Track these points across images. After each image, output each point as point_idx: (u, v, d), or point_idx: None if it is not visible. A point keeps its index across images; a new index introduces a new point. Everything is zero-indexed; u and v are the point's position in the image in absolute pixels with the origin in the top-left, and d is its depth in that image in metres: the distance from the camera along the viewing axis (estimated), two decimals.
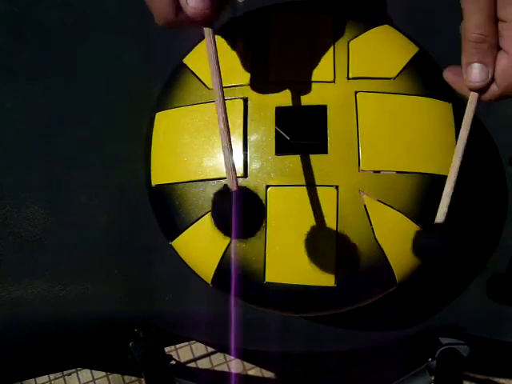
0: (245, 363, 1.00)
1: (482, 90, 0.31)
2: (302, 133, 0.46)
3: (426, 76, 0.41)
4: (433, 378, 0.48)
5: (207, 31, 0.30)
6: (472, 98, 0.32)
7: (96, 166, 0.51)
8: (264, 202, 0.38)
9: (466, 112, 0.32)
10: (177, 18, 0.30)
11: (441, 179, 0.39)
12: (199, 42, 0.44)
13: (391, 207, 0.38)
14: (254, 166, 0.38)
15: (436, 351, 0.48)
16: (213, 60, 0.31)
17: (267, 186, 0.38)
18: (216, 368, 1.00)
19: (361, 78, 0.40)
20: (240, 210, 0.29)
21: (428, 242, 0.32)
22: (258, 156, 0.38)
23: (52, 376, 0.99)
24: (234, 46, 0.41)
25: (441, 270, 0.48)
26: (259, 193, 0.38)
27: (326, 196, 0.37)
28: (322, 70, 0.40)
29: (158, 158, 0.42)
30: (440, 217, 0.32)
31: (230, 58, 0.41)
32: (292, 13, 0.42)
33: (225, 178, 0.39)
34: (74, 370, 0.98)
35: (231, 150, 0.31)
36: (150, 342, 0.51)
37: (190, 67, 0.43)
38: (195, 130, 0.40)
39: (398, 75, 0.40)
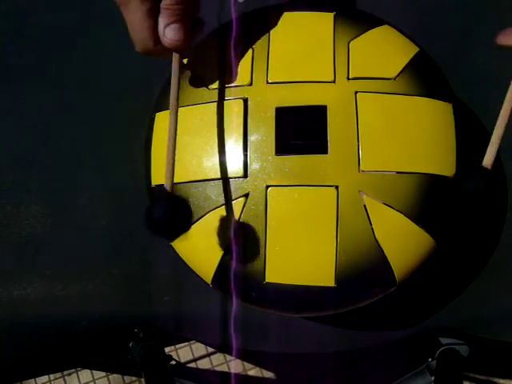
0: (245, 363, 1.00)
1: None
2: (301, 133, 0.46)
3: (426, 76, 0.41)
4: (433, 378, 0.48)
5: (176, 56, 0.36)
6: None
7: (96, 167, 0.51)
8: (264, 202, 0.38)
9: None
10: (155, 48, 0.34)
11: (441, 179, 0.39)
12: (199, 42, 0.44)
13: (391, 207, 0.38)
14: (254, 166, 0.38)
15: (436, 351, 0.48)
16: (174, 79, 0.36)
17: (267, 186, 0.38)
18: (216, 368, 1.00)
19: (361, 78, 0.40)
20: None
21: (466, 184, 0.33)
22: (258, 156, 0.38)
23: (52, 376, 0.99)
24: (233, 46, 0.41)
25: (441, 271, 0.48)
26: (260, 193, 0.38)
27: (325, 196, 0.37)
28: (322, 70, 0.40)
29: (158, 158, 0.42)
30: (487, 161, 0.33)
31: (230, 58, 0.41)
32: (292, 12, 0.42)
33: (226, 178, 0.39)
34: (73, 370, 0.98)
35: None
36: (149, 342, 0.51)
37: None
38: (195, 131, 0.40)
39: (398, 75, 0.40)
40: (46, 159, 0.52)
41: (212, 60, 0.42)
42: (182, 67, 0.38)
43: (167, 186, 0.36)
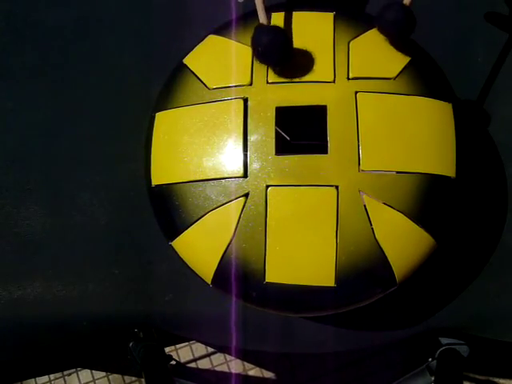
0: (245, 363, 1.00)
1: None
2: (301, 133, 0.46)
3: (426, 76, 0.41)
4: (433, 378, 0.48)
5: None
6: None
7: (96, 166, 0.51)
8: (264, 202, 0.38)
9: None
10: None
11: (441, 179, 0.39)
12: (199, 42, 0.44)
13: (391, 207, 0.38)
14: (254, 166, 0.38)
15: (436, 351, 0.48)
16: None
17: (267, 186, 0.38)
18: (216, 368, 1.00)
19: (361, 78, 0.40)
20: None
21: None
22: (258, 156, 0.38)
23: (52, 376, 0.99)
24: (234, 46, 0.41)
25: (441, 272, 0.48)
26: (260, 193, 0.38)
27: (325, 196, 0.37)
28: (322, 70, 0.40)
29: (157, 158, 0.42)
30: None
31: (230, 58, 0.41)
32: (292, 13, 0.42)
33: (225, 179, 0.39)
34: (73, 370, 0.98)
35: None
36: (149, 342, 0.51)
37: (190, 67, 0.43)
38: (195, 131, 0.40)
39: (397, 75, 0.40)
40: (46, 159, 0.52)
41: (212, 59, 0.42)
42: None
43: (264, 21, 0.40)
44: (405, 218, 0.38)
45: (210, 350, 1.01)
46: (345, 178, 0.38)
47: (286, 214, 0.38)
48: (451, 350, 0.48)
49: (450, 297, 0.48)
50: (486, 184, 0.49)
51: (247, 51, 0.41)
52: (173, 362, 0.54)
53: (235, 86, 0.40)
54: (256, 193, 0.38)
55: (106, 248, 0.50)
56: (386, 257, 0.38)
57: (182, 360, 1.00)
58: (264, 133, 0.39)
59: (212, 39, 0.44)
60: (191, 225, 0.40)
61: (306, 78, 0.40)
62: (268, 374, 1.01)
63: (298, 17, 0.42)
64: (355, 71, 0.40)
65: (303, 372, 0.99)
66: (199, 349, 1.01)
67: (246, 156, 0.39)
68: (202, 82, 0.41)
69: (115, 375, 1.00)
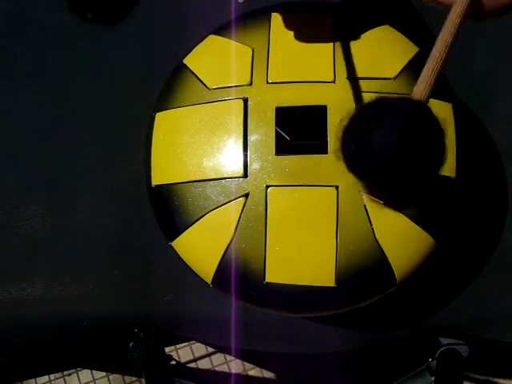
0: (245, 363, 1.00)
1: None
2: (301, 133, 0.46)
3: None
4: (433, 378, 0.48)
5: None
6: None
7: (96, 166, 0.51)
8: (264, 202, 0.38)
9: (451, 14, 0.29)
10: None
11: (441, 179, 0.39)
12: (199, 42, 0.44)
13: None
14: (254, 166, 0.38)
15: (436, 351, 0.48)
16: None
17: (267, 186, 0.38)
18: (216, 368, 1.00)
19: (361, 78, 0.40)
20: None
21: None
22: (258, 156, 0.38)
23: (52, 376, 0.99)
24: (234, 46, 0.41)
25: (442, 272, 0.48)
26: (260, 193, 0.38)
27: (325, 196, 0.37)
28: (322, 70, 0.40)
29: (157, 158, 0.42)
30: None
31: (230, 58, 0.41)
32: (292, 13, 0.42)
33: (225, 179, 0.39)
34: (73, 370, 0.98)
35: None
36: (149, 342, 0.51)
37: (190, 67, 0.43)
38: (195, 131, 0.40)
39: (397, 75, 0.40)
40: (46, 159, 0.52)
41: (212, 60, 0.42)
42: None
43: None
44: (405, 218, 0.38)
45: (210, 350, 1.00)
46: (345, 178, 0.38)
47: (286, 214, 0.38)
48: (451, 349, 0.48)
49: (450, 297, 0.48)
50: (486, 184, 0.49)
51: (247, 51, 0.41)
52: (173, 362, 0.54)
53: (235, 86, 0.40)
54: (256, 193, 0.38)
55: (106, 248, 0.50)
56: (386, 257, 0.38)
57: (182, 360, 1.00)
58: (264, 133, 0.39)
59: (212, 39, 0.44)
60: (191, 225, 0.40)
61: (306, 78, 0.40)
62: (268, 374, 1.00)
63: (298, 17, 0.42)
64: (355, 71, 0.40)
65: (303, 372, 0.99)
66: (199, 349, 1.01)
67: (246, 156, 0.39)
68: (201, 82, 0.41)
69: (115, 375, 1.00)
